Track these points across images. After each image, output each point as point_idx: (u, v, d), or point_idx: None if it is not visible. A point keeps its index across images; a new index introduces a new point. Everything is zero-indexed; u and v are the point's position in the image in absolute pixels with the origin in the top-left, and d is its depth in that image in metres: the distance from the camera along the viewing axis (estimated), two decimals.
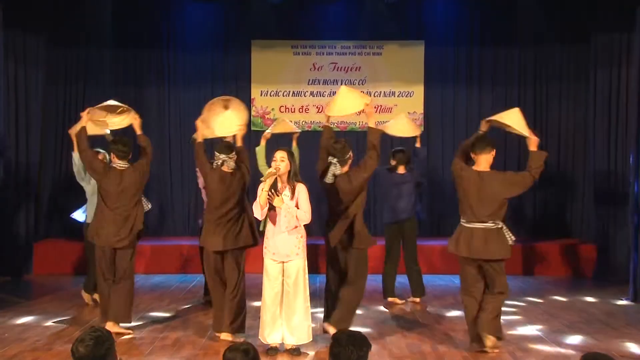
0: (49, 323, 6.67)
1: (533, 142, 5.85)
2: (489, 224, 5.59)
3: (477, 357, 5.60)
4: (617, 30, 9.31)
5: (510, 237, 5.63)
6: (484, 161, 5.76)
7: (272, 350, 5.66)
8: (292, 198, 5.58)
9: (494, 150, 5.88)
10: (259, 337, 5.70)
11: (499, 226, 5.62)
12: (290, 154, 5.68)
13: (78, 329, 6.38)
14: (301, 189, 5.64)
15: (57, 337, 6.15)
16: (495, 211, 5.59)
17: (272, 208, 5.55)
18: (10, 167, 9.17)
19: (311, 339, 5.73)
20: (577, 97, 10.66)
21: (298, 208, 5.56)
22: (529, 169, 5.75)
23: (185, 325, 6.67)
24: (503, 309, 7.48)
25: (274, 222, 5.62)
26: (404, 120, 8.00)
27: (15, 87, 9.18)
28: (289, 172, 5.62)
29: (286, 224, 5.54)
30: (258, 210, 5.54)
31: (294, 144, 7.76)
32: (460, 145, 6.02)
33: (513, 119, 5.97)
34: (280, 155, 5.59)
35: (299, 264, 5.64)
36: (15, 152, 9.25)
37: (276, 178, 5.57)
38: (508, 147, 10.36)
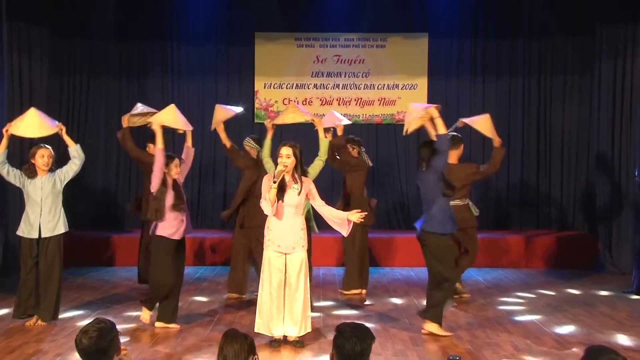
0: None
1: (496, 142, 7.39)
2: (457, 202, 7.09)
3: (480, 348, 5.61)
4: (622, 21, 9.26)
5: (475, 210, 7.49)
6: (453, 155, 7.18)
7: (276, 343, 5.67)
8: (299, 192, 5.60)
9: (462, 145, 7.55)
10: (260, 331, 5.68)
11: (466, 202, 7.39)
12: (296, 148, 5.67)
13: (81, 320, 6.40)
14: (310, 182, 5.72)
15: (60, 329, 6.17)
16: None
17: (278, 200, 5.56)
18: (15, 158, 9.16)
19: (310, 330, 5.74)
20: (581, 89, 10.64)
21: (308, 200, 5.68)
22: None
23: (188, 316, 6.68)
24: (506, 299, 7.52)
25: (278, 215, 5.63)
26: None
27: (19, 79, 9.17)
28: (295, 166, 5.63)
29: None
30: (268, 207, 5.55)
31: (320, 134, 6.42)
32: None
33: (483, 125, 7.39)
34: (286, 152, 5.60)
35: (302, 255, 5.66)
36: (20, 144, 9.25)
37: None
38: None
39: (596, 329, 6.30)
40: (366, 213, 5.84)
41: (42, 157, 6.37)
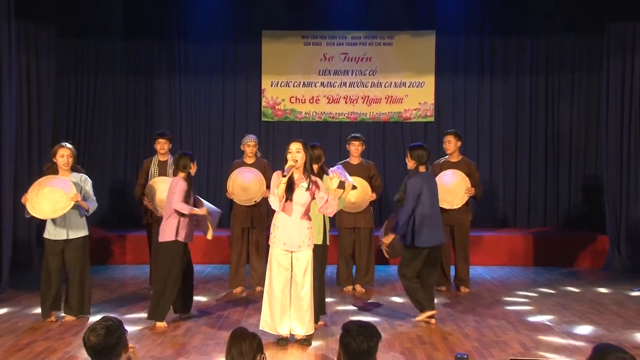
0: (61, 313, 6.71)
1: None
2: None
3: (488, 346, 5.60)
4: (630, 19, 9.21)
5: None
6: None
7: (283, 341, 5.67)
8: (308, 189, 5.59)
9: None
10: (266, 329, 5.67)
11: None
12: (305, 145, 5.66)
13: (89, 318, 6.43)
14: (318, 181, 5.69)
15: (69, 327, 6.19)
16: None
17: (286, 199, 5.56)
18: (23, 157, 9.21)
19: (317, 328, 5.74)
20: (589, 87, 10.60)
21: (314, 198, 5.63)
22: None
23: (195, 314, 6.70)
24: (514, 298, 7.49)
25: (285, 213, 5.62)
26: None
27: (27, 78, 9.20)
28: (305, 163, 5.62)
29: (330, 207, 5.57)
30: (276, 202, 5.54)
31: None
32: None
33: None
34: (296, 147, 5.58)
35: (308, 253, 5.66)
36: (28, 143, 9.29)
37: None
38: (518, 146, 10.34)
39: (604, 327, 6.28)
40: (338, 173, 5.69)
41: (62, 156, 6.38)
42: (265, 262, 7.71)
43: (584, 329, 6.22)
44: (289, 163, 5.51)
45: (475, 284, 8.26)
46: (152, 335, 5.93)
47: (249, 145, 7.78)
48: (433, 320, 6.33)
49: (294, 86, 10.93)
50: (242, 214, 7.69)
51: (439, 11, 10.84)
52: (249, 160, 7.80)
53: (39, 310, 6.65)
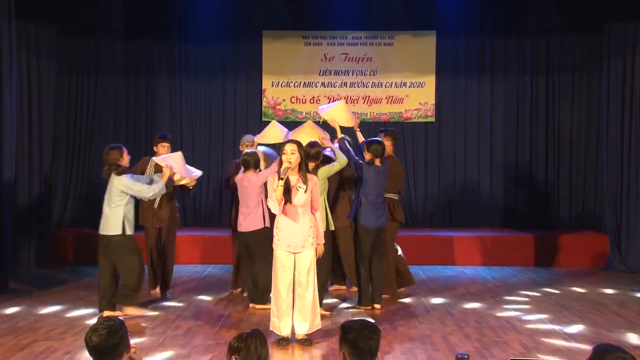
0: (63, 312, 6.71)
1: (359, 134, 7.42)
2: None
3: (488, 346, 5.60)
4: (630, 19, 9.22)
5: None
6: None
7: (284, 341, 5.68)
8: (306, 190, 5.59)
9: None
10: (271, 329, 5.71)
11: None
12: (300, 146, 5.66)
13: (90, 318, 6.43)
14: (315, 181, 5.69)
15: (70, 327, 6.20)
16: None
17: (287, 202, 5.56)
18: (24, 157, 9.22)
19: (320, 327, 5.76)
20: (590, 87, 10.59)
21: (312, 199, 5.67)
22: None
23: (197, 315, 6.71)
24: (514, 298, 7.49)
25: (287, 215, 5.62)
26: (341, 108, 7.40)
27: (28, 78, 9.22)
28: (300, 164, 5.62)
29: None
30: (275, 206, 5.54)
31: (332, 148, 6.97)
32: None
33: (337, 114, 7.22)
34: (290, 148, 5.57)
35: (311, 253, 5.67)
36: (28, 143, 9.30)
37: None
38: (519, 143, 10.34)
39: (605, 328, 6.28)
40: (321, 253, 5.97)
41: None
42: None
43: (585, 330, 6.21)
44: (284, 164, 5.52)
45: (476, 284, 8.27)
46: (153, 335, 5.94)
47: (247, 145, 7.77)
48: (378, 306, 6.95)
49: (294, 86, 10.92)
50: None
51: (440, 11, 10.84)
52: None
53: (40, 310, 6.68)
